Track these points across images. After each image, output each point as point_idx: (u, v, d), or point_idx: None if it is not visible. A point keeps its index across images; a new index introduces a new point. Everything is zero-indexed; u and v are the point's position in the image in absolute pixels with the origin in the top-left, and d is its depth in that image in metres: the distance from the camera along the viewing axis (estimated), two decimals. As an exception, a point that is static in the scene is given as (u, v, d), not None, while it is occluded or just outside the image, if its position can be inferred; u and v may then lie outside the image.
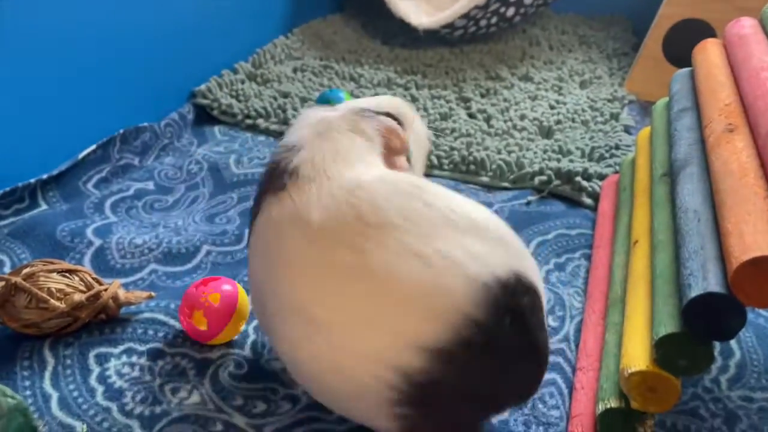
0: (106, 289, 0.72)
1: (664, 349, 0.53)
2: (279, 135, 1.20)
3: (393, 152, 0.63)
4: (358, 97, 1.30)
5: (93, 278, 0.73)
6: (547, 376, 0.71)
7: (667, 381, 0.54)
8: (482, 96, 1.34)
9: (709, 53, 0.84)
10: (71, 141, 1.02)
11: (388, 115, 0.67)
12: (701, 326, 0.51)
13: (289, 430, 0.64)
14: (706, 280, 0.50)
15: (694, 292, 0.50)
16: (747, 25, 0.82)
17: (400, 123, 0.68)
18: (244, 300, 0.73)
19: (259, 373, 0.70)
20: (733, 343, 0.76)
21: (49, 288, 0.70)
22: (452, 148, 1.13)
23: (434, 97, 1.32)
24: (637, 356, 0.56)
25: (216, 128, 1.22)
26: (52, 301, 0.69)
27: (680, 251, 0.57)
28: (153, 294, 0.75)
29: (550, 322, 0.78)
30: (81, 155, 1.02)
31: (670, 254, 0.61)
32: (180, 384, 0.68)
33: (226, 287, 0.72)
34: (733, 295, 0.49)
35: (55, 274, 0.71)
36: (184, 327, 0.71)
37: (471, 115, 1.26)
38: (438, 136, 1.17)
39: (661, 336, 0.53)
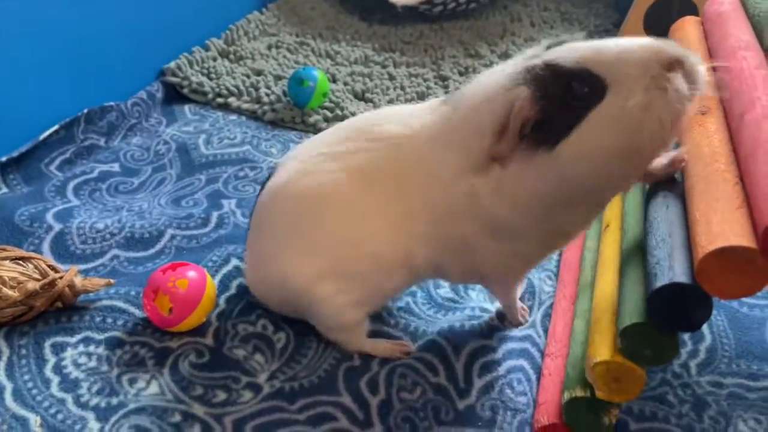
0: (61, 277, 0.70)
1: (628, 339, 0.52)
2: (251, 114, 1.16)
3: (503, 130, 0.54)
4: (333, 75, 1.26)
5: (48, 265, 0.71)
6: (515, 362, 0.70)
7: (631, 371, 0.53)
8: (461, 74, 1.31)
9: (687, 32, 0.82)
10: (33, 121, 0.98)
11: (583, 71, 0.50)
12: (666, 317, 0.50)
13: (251, 420, 0.62)
14: (672, 270, 0.49)
15: (659, 282, 0.49)
16: (726, 2, 0.80)
17: (593, 85, 0.49)
18: (212, 288, 0.71)
19: (221, 362, 0.68)
20: (704, 326, 0.75)
21: (1, 276, 0.67)
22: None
23: (412, 75, 1.29)
24: (603, 345, 0.55)
25: (186, 107, 1.18)
26: (5, 289, 0.67)
27: (648, 238, 0.55)
28: (111, 281, 0.73)
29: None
30: (43, 136, 0.98)
31: (639, 241, 0.60)
32: (138, 374, 0.66)
33: (195, 274, 0.70)
34: (699, 285, 0.47)
35: (7, 261, 0.69)
36: (147, 312, 0.69)
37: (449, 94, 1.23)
38: None
39: (625, 326, 0.52)
